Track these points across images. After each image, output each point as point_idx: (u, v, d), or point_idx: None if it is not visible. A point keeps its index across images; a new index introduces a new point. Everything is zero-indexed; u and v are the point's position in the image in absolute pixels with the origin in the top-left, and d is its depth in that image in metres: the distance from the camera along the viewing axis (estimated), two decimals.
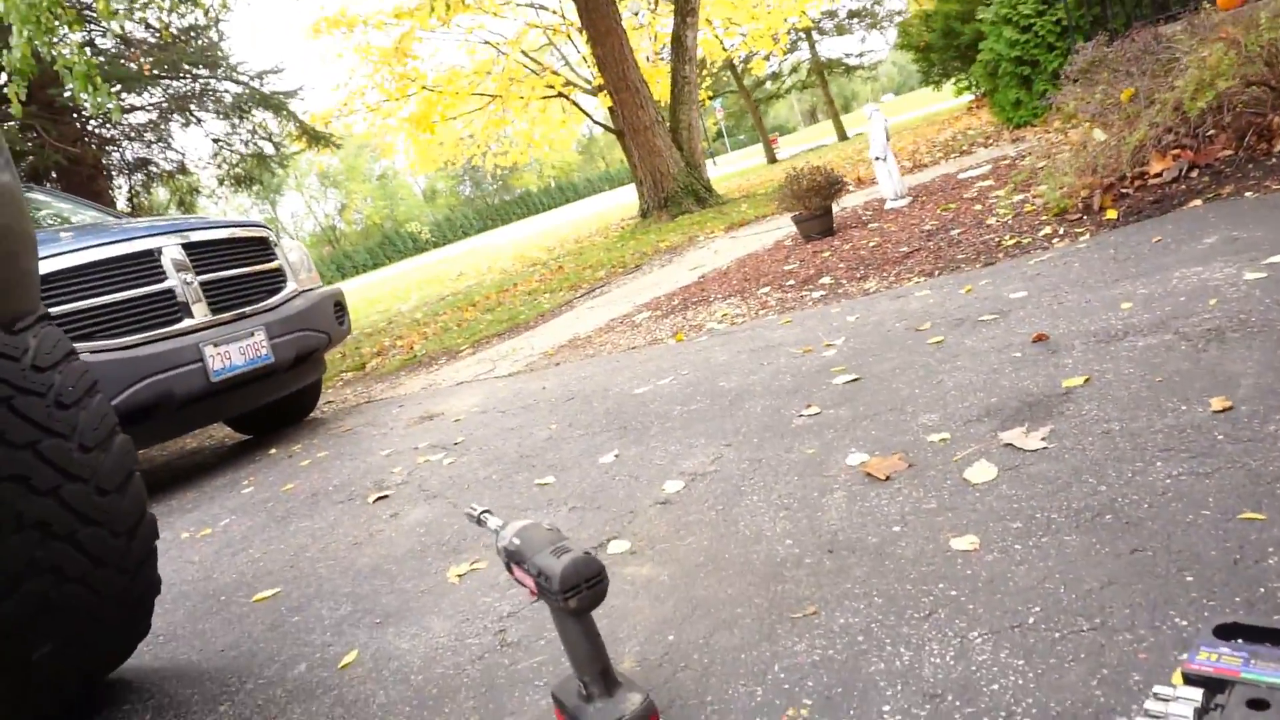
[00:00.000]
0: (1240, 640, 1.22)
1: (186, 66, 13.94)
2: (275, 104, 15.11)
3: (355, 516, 3.31)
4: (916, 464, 2.21)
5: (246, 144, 15.46)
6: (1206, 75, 4.39)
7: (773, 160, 29.24)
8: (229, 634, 2.46)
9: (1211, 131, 4.63)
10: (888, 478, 2.17)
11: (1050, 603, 1.48)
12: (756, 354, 3.94)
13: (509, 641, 1.91)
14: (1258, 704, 1.09)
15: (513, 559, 1.40)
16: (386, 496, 3.46)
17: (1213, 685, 1.16)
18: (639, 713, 1.34)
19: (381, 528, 3.07)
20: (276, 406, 5.66)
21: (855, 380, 3.06)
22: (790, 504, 2.20)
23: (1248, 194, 3.84)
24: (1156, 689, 1.18)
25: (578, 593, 1.28)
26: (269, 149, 15.80)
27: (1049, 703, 1.25)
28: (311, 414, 6.19)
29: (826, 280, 5.29)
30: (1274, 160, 4.15)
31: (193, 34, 14.06)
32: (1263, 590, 1.35)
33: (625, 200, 27.93)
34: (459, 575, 2.38)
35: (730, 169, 34.34)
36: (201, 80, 14.43)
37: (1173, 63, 4.84)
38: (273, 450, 5.18)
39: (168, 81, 14.12)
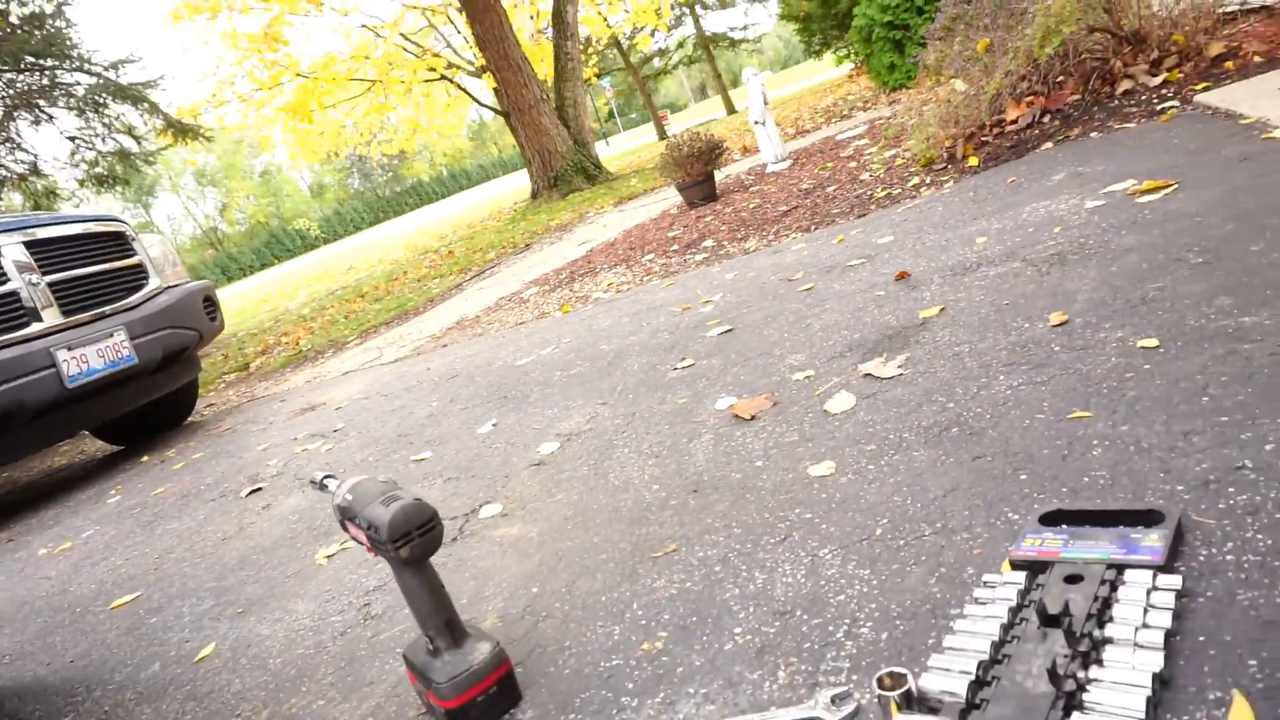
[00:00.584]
0: (1064, 525, 1.25)
1: (30, 58, 12.93)
2: (134, 95, 14.16)
3: (226, 512, 3.15)
4: (781, 402, 2.22)
5: (105, 140, 14.47)
6: (1051, 22, 4.56)
7: (663, 137, 29.32)
8: (81, 644, 2.31)
9: (1060, 78, 4.82)
10: (753, 417, 2.18)
11: (897, 514, 1.50)
12: (638, 316, 3.92)
13: (373, 614, 1.83)
14: (1073, 579, 1.12)
15: (345, 515, 1.33)
16: (260, 489, 3.31)
17: (1036, 568, 1.19)
18: (488, 662, 1.30)
19: (253, 520, 2.93)
20: (149, 412, 5.37)
21: (729, 331, 3.07)
22: (660, 452, 2.18)
23: (1093, 134, 4.01)
24: (986, 577, 1.21)
25: (409, 541, 1.22)
26: (132, 145, 14.84)
27: (890, 605, 1.27)
28: (190, 418, 5.89)
29: (709, 243, 5.31)
30: (1115, 102, 4.34)
31: (36, 23, 13.02)
32: (1087, 479, 1.40)
33: (519, 184, 27.61)
34: (328, 556, 2.28)
35: (623, 148, 34.31)
36: (49, 73, 13.39)
37: (1024, 14, 5.01)
38: (145, 457, 4.90)
39: (10, 75, 13.08)
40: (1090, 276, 2.26)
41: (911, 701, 1.03)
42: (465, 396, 3.57)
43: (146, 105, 14.51)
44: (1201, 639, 1.01)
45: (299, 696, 1.61)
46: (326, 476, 1.49)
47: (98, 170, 14.63)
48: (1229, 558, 1.12)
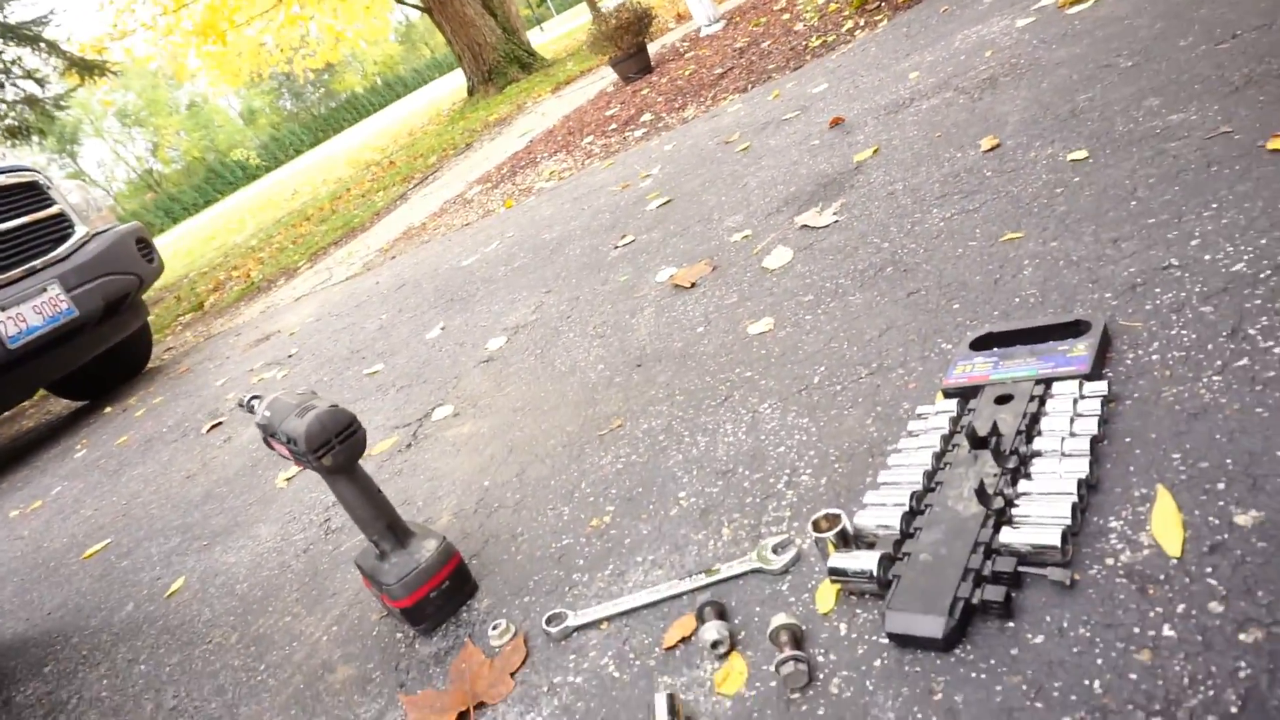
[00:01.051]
0: (994, 348, 1.23)
1: None
2: (26, 35, 13.26)
3: (189, 451, 3.11)
4: (720, 265, 2.18)
5: (6, 89, 13.61)
6: None
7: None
8: (57, 596, 2.30)
9: None
10: (693, 285, 2.14)
11: (834, 360, 1.48)
12: (579, 201, 3.81)
13: (333, 529, 1.82)
14: (1003, 399, 1.10)
15: (267, 433, 1.29)
16: (220, 424, 3.27)
17: (968, 393, 1.17)
18: (436, 559, 1.29)
19: (215, 454, 2.90)
20: (104, 363, 5.25)
21: (668, 203, 2.99)
22: (604, 332, 2.15)
23: None
24: (919, 409, 1.20)
25: (329, 449, 1.19)
26: (37, 90, 13.99)
27: (829, 450, 1.26)
28: (149, 364, 5.78)
29: (647, 117, 5.14)
30: None
31: None
32: (1018, 299, 1.38)
33: (456, 84, 26.55)
34: (287, 479, 2.26)
35: (558, 32, 32.94)
36: None
37: None
38: (107, 409, 4.83)
39: None
40: (1021, 97, 2.19)
41: (848, 540, 1.03)
42: (413, 305, 3.50)
43: (44, 45, 13.61)
44: (1128, 440, 1.00)
45: (266, 616, 1.61)
46: (253, 397, 1.45)
47: (8, 121, 13.85)
48: (1154, 357, 1.11)
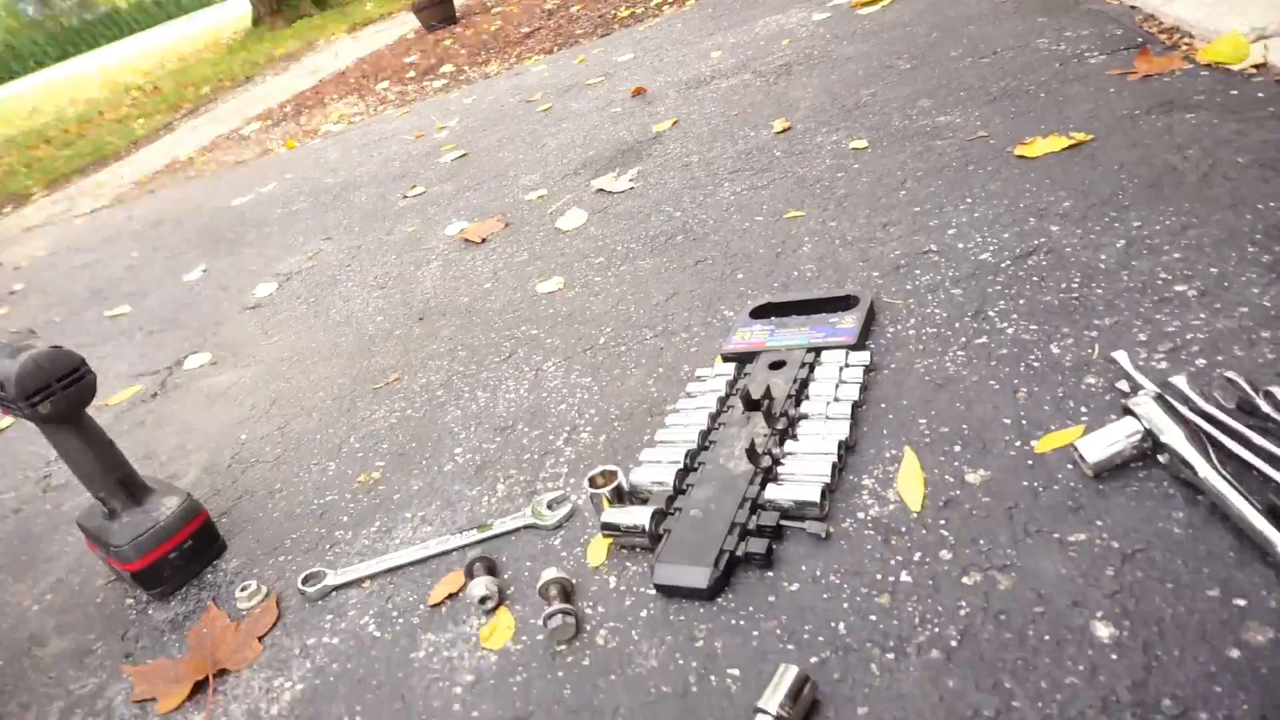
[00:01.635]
0: (772, 317, 1.27)
1: None
2: None
3: None
4: (513, 223, 2.12)
5: None
6: None
7: None
8: None
9: None
10: (484, 240, 2.07)
11: (621, 322, 1.48)
12: (368, 147, 3.60)
13: (54, 485, 1.61)
14: (777, 365, 1.14)
15: None
16: None
17: (745, 359, 1.21)
18: (176, 517, 1.16)
19: None
20: None
21: (463, 156, 2.89)
22: (386, 283, 2.04)
23: None
24: (699, 372, 1.21)
25: (47, 394, 1.03)
26: None
27: (610, 409, 1.25)
28: None
29: (448, 68, 4.95)
30: None
31: None
32: (797, 273, 1.44)
33: (239, 11, 24.33)
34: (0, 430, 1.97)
35: None
36: None
37: None
38: None
39: None
40: (813, 85, 2.29)
41: (622, 496, 1.03)
42: (172, 244, 3.17)
43: None
44: (883, 405, 1.07)
45: None
46: None
47: None
48: (911, 332, 1.19)
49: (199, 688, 1.00)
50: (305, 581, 1.09)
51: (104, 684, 1.06)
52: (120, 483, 1.15)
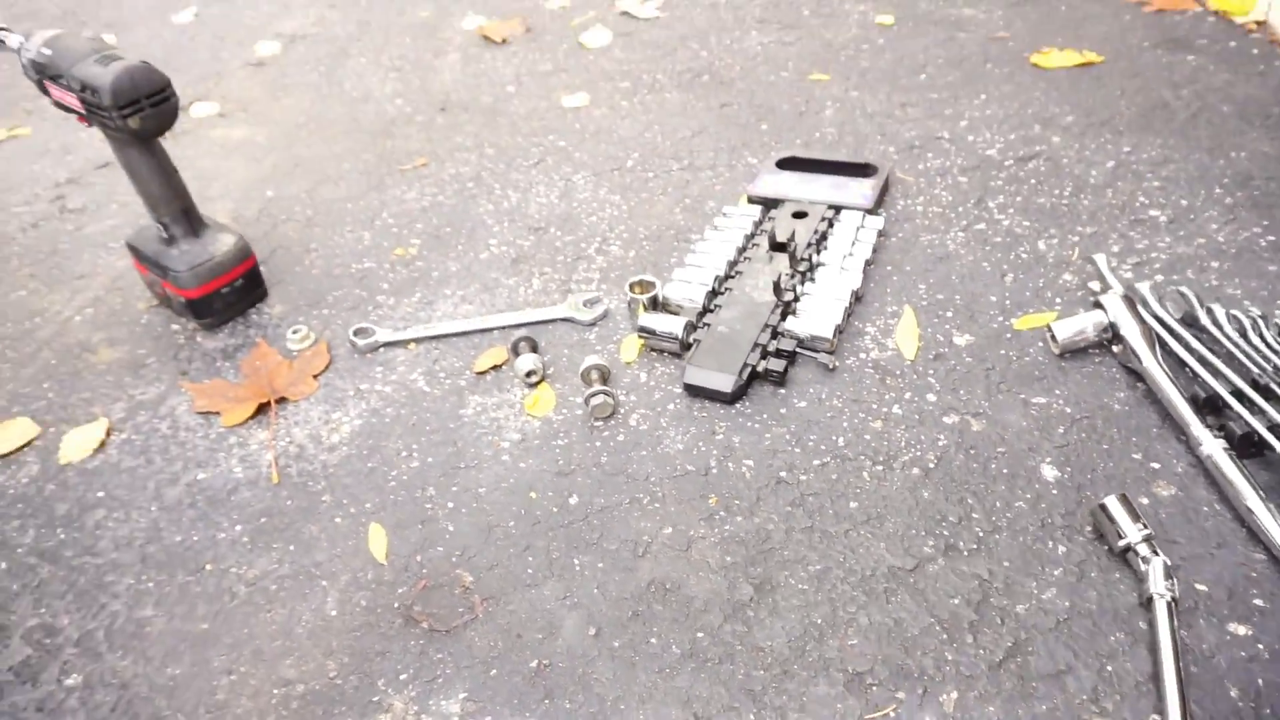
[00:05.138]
0: (795, 170, 1.39)
1: None
2: None
3: None
4: (534, 29, 2.13)
5: None
6: None
7: None
8: None
9: None
10: (504, 40, 2.08)
11: (648, 149, 1.58)
12: None
13: (70, 208, 1.64)
14: (799, 214, 1.28)
15: (44, 74, 1.13)
16: None
17: (769, 204, 1.33)
18: (232, 254, 1.25)
19: None
20: None
21: None
22: (402, 66, 2.04)
23: None
24: (725, 209, 1.34)
25: (137, 110, 1.08)
26: None
27: (638, 228, 1.37)
28: None
29: None
30: None
31: None
32: (819, 134, 1.55)
33: None
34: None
35: None
36: None
37: None
38: None
39: None
40: None
41: (657, 304, 1.17)
42: None
43: None
44: (889, 268, 1.23)
45: None
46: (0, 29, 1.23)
47: None
48: (919, 208, 1.34)
49: (260, 410, 1.13)
50: (356, 334, 1.21)
51: (164, 394, 1.18)
52: (184, 211, 1.22)
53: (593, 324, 1.20)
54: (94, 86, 1.06)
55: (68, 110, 1.15)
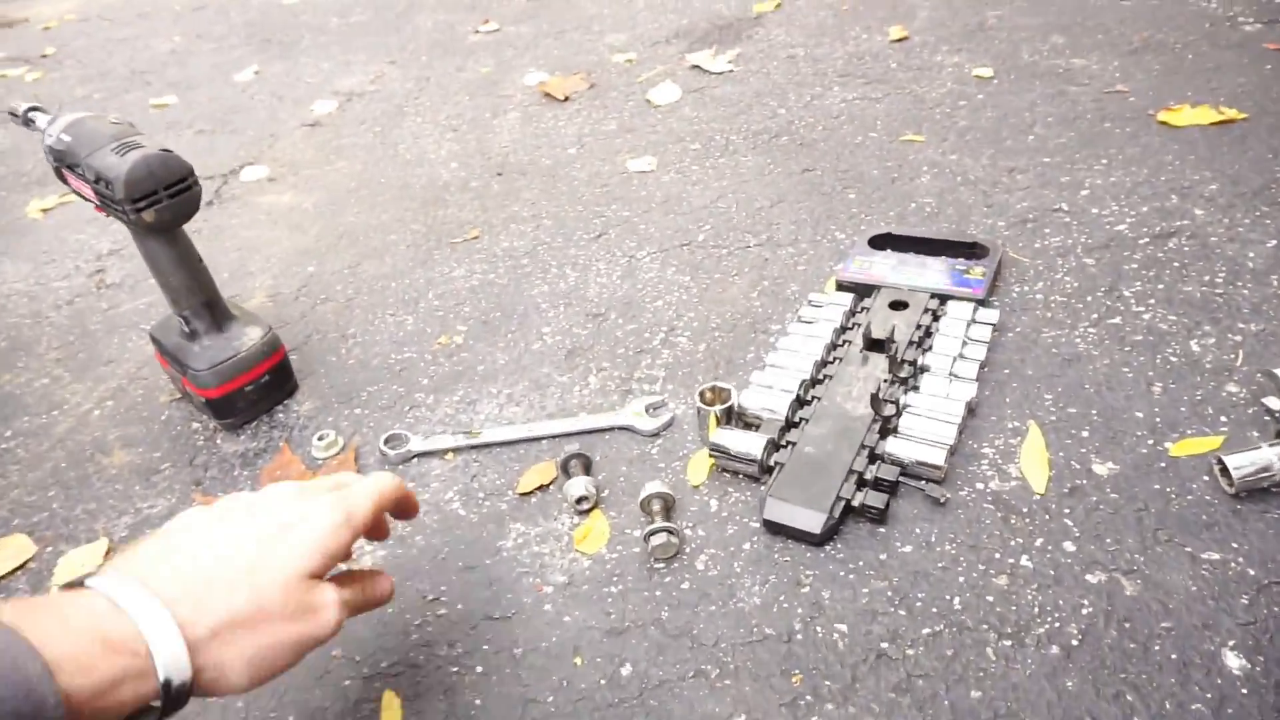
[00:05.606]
0: (889, 250, 1.22)
1: None
2: None
3: None
4: (599, 85, 2.01)
5: None
6: None
7: None
8: None
9: None
10: (567, 98, 1.97)
11: (721, 221, 1.42)
12: None
13: (109, 283, 1.56)
14: (897, 305, 1.10)
15: (62, 161, 1.03)
16: None
17: (862, 290, 1.16)
18: (258, 349, 1.12)
19: None
20: None
21: None
22: (459, 126, 1.94)
23: None
24: (811, 296, 1.17)
25: (154, 202, 0.97)
26: None
27: (710, 315, 1.21)
28: None
29: None
30: None
31: None
32: (914, 205, 1.37)
33: None
34: (44, 210, 1.90)
35: None
36: None
37: None
38: None
39: None
40: None
41: (732, 417, 1.00)
42: (218, 34, 2.99)
43: None
44: (1007, 371, 1.04)
45: (14, 373, 1.36)
46: (31, 108, 1.14)
47: None
48: (1039, 296, 1.14)
49: None
50: (387, 442, 1.06)
51: (174, 507, 1.05)
52: (206, 305, 1.10)
53: (655, 435, 1.03)
54: (108, 179, 0.95)
55: (85, 199, 1.04)
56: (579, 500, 0.94)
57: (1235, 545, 0.80)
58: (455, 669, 0.82)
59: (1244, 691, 0.69)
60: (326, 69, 2.45)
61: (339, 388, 1.20)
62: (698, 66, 2.00)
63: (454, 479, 1.02)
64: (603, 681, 0.78)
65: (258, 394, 1.14)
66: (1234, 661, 0.71)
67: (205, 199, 1.79)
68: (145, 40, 3.08)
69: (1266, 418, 0.91)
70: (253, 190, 1.81)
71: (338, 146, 1.95)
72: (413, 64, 2.36)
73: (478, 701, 0.78)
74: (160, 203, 0.98)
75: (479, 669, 0.81)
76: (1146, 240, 1.21)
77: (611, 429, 1.05)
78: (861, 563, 0.85)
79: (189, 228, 1.07)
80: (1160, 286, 1.12)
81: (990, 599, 0.80)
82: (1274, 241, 1.16)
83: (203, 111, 2.31)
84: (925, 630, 0.78)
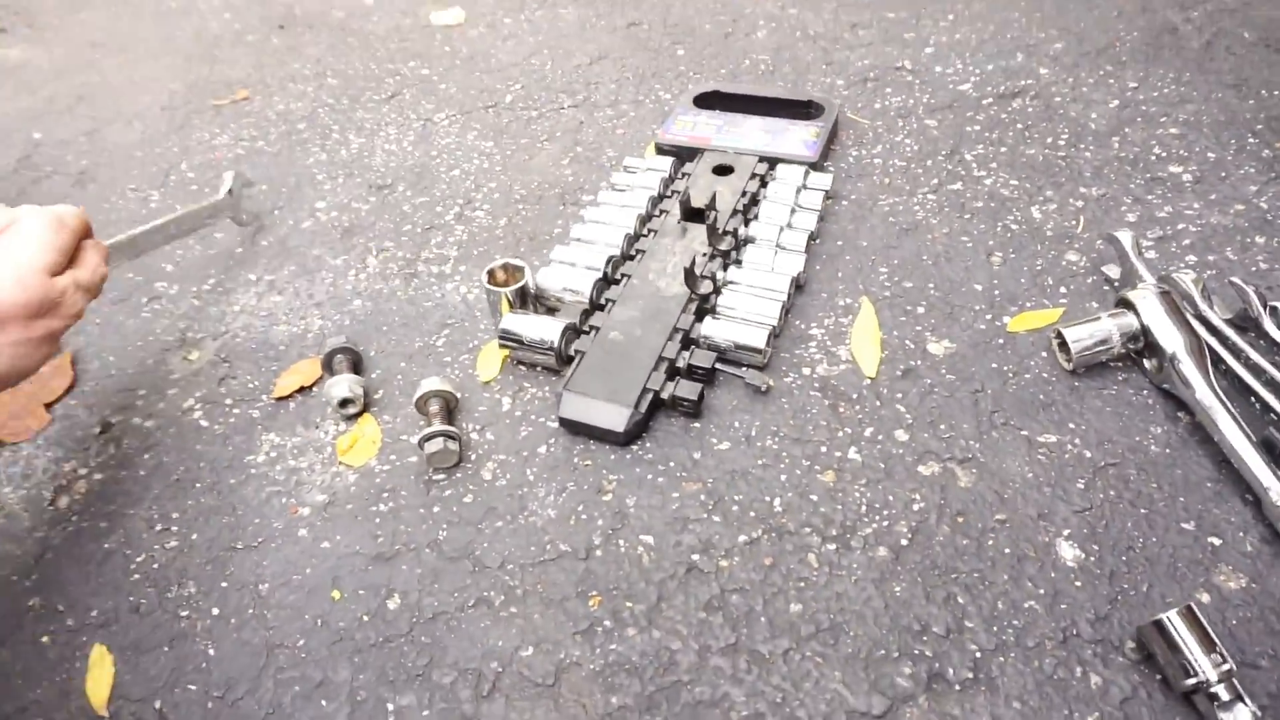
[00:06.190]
0: (718, 109, 1.08)
1: None
2: None
3: None
4: None
5: None
6: None
7: None
8: None
9: None
10: None
11: (533, 80, 1.24)
12: None
13: None
14: (722, 169, 0.97)
15: None
16: None
17: (684, 154, 1.02)
18: None
19: None
20: None
21: None
22: None
23: None
24: (627, 161, 1.02)
25: None
26: None
27: (514, 185, 1.05)
28: None
29: None
30: None
31: None
32: (749, 62, 1.23)
33: None
34: None
35: None
36: None
37: None
38: None
39: None
40: None
41: (526, 299, 0.85)
42: None
43: None
44: (839, 243, 0.93)
45: None
46: None
47: None
48: (878, 160, 1.04)
49: None
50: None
51: None
52: None
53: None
54: None
55: None
56: (343, 403, 0.78)
57: (1072, 426, 0.73)
58: (186, 613, 0.66)
59: (1078, 584, 0.63)
60: None
61: None
62: None
63: (195, 384, 0.84)
64: (365, 617, 0.65)
65: None
66: (1068, 552, 0.65)
67: None
68: None
69: (1106, 287, 0.85)
70: None
71: None
72: None
73: (211, 651, 0.64)
74: None
75: (215, 611, 0.66)
76: (990, 101, 1.12)
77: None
78: (672, 464, 0.73)
79: None
80: (1003, 150, 1.03)
81: (814, 498, 0.70)
82: (1116, 102, 1.09)
83: None
84: (742, 538, 0.68)
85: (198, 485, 0.75)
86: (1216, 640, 0.55)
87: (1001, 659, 0.59)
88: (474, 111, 1.18)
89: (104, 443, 0.80)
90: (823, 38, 1.27)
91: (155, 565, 0.70)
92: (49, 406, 0.83)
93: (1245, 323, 0.76)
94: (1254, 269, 0.85)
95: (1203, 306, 0.76)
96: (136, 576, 0.69)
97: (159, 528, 0.72)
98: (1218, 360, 0.73)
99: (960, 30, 1.26)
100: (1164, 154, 1.00)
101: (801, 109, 1.07)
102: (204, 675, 0.62)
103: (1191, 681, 0.54)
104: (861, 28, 1.28)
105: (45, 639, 0.65)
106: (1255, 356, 0.72)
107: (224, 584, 0.68)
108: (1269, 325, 0.74)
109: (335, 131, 1.17)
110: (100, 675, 0.63)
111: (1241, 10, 1.24)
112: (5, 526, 0.73)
